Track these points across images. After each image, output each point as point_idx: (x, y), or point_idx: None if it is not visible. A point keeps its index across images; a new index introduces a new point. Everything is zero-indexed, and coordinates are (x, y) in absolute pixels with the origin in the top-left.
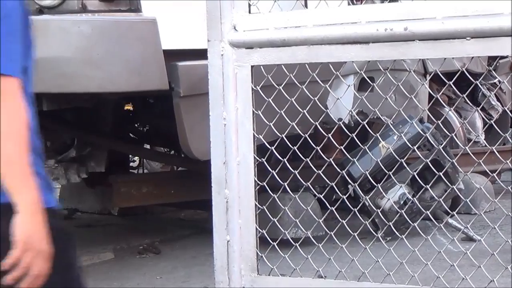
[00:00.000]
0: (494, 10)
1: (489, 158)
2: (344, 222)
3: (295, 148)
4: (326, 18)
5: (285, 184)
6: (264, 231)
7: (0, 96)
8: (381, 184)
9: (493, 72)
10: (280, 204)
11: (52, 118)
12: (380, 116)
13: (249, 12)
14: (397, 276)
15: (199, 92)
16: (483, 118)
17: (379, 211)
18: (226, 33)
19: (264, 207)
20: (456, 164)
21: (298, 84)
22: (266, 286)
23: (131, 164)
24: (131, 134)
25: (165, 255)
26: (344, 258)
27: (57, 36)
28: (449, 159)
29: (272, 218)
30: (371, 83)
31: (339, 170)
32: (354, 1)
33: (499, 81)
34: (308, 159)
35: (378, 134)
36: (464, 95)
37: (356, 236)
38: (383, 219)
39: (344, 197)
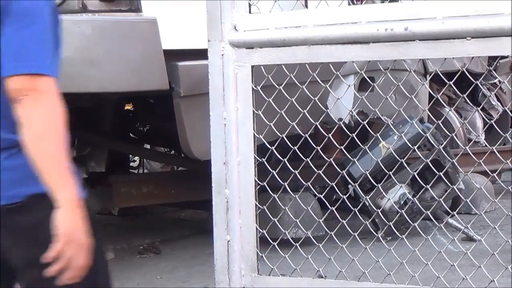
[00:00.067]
0: (495, 10)
1: (489, 158)
2: (344, 222)
3: (296, 148)
4: (326, 18)
5: (285, 184)
6: (265, 231)
7: (39, 95)
8: (381, 184)
9: (493, 72)
10: (281, 204)
11: None
12: (381, 116)
13: (250, 12)
14: (397, 276)
15: (199, 92)
16: (483, 118)
17: (379, 211)
18: (227, 33)
19: (265, 207)
20: (456, 164)
21: (299, 84)
22: (266, 286)
23: (131, 164)
24: (131, 134)
25: (165, 255)
26: (344, 258)
27: None
28: (449, 159)
29: (272, 218)
30: (371, 83)
31: (339, 170)
32: (355, 1)
33: (499, 81)
34: (308, 159)
35: (378, 134)
36: (465, 95)
37: (357, 236)
38: (383, 219)
39: (345, 197)
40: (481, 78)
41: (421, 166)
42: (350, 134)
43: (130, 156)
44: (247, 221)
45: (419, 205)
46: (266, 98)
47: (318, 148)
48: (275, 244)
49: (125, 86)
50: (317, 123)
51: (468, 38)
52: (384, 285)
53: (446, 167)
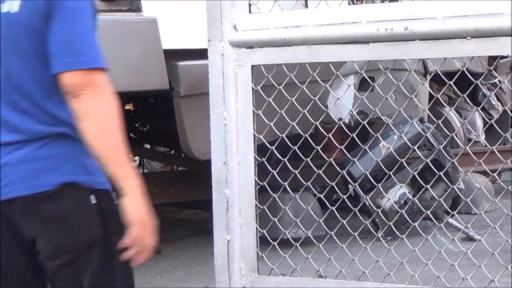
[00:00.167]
0: (495, 10)
1: (489, 158)
2: (344, 221)
3: (296, 147)
4: (326, 18)
5: (286, 183)
6: (265, 231)
7: (98, 90)
8: (381, 184)
9: (494, 72)
10: (281, 204)
11: None
12: (381, 116)
13: (250, 11)
14: (397, 276)
15: (200, 92)
16: (483, 118)
17: (379, 210)
18: (227, 33)
19: (265, 207)
20: (456, 164)
21: (299, 84)
22: (266, 286)
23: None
24: (131, 134)
25: (165, 255)
26: (344, 257)
27: None
28: (449, 159)
29: (272, 218)
30: (372, 83)
31: (339, 170)
32: (355, 1)
33: (499, 81)
34: (308, 159)
35: (378, 134)
36: (465, 95)
37: (357, 236)
38: (384, 219)
39: (345, 196)
40: (481, 78)
41: (421, 166)
42: (350, 134)
43: (130, 155)
44: (247, 221)
45: (419, 205)
46: (266, 98)
47: (318, 148)
48: (275, 244)
49: (125, 85)
50: (317, 123)
51: (468, 38)
52: (384, 285)
53: (446, 167)
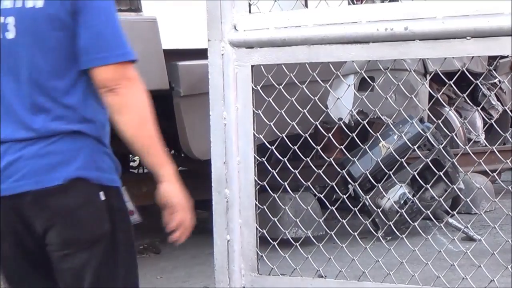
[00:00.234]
0: (494, 9)
1: (489, 157)
2: (344, 221)
3: (295, 147)
4: (326, 17)
5: (285, 183)
6: (265, 231)
7: (132, 83)
8: (381, 183)
9: (493, 71)
10: (281, 204)
11: None
12: (381, 116)
13: (250, 11)
14: (397, 276)
15: (199, 92)
16: (483, 118)
17: (379, 210)
18: (227, 33)
19: (265, 207)
20: (456, 163)
21: (298, 84)
22: (266, 285)
23: (131, 164)
24: None
25: (165, 255)
26: (344, 257)
27: None
28: (449, 158)
29: (272, 218)
30: (371, 83)
31: (339, 169)
32: (355, 1)
33: (499, 81)
34: (308, 159)
35: (378, 134)
36: (464, 95)
37: (357, 236)
38: (383, 218)
39: (344, 196)
40: (481, 78)
41: (421, 166)
42: (350, 134)
43: (130, 155)
44: (247, 221)
45: (419, 204)
46: (266, 98)
47: (318, 148)
48: (275, 243)
49: None
50: (317, 122)
51: (468, 38)
52: (384, 285)
53: (446, 167)
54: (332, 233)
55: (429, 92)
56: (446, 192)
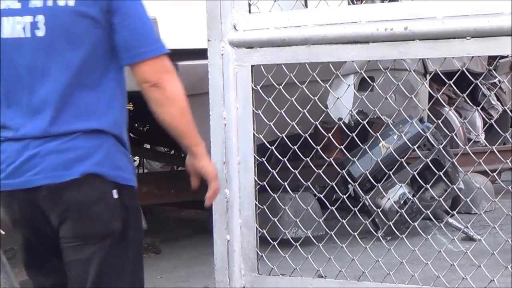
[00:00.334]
0: (494, 9)
1: (489, 157)
2: (344, 221)
3: (295, 147)
4: (326, 17)
5: (285, 183)
6: (265, 231)
7: (172, 75)
8: (381, 183)
9: (493, 71)
10: (280, 204)
11: None
12: (380, 116)
13: (249, 11)
14: (397, 276)
15: (199, 92)
16: (483, 118)
17: (379, 210)
18: (226, 33)
19: (264, 207)
20: (456, 163)
21: (298, 84)
22: (266, 285)
23: None
24: (131, 134)
25: (165, 255)
26: (344, 257)
27: None
28: (449, 158)
29: (272, 218)
30: (371, 83)
31: (339, 169)
32: (354, 1)
33: (499, 81)
34: (308, 159)
35: (378, 134)
36: (464, 95)
37: (356, 236)
38: (383, 218)
39: (344, 196)
40: (481, 78)
41: (421, 166)
42: (350, 134)
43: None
44: (247, 221)
45: (419, 204)
46: (266, 98)
47: (318, 147)
48: (275, 243)
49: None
50: (317, 122)
51: (468, 38)
52: (384, 285)
53: (446, 167)
54: (332, 233)
55: (429, 92)
56: (446, 192)
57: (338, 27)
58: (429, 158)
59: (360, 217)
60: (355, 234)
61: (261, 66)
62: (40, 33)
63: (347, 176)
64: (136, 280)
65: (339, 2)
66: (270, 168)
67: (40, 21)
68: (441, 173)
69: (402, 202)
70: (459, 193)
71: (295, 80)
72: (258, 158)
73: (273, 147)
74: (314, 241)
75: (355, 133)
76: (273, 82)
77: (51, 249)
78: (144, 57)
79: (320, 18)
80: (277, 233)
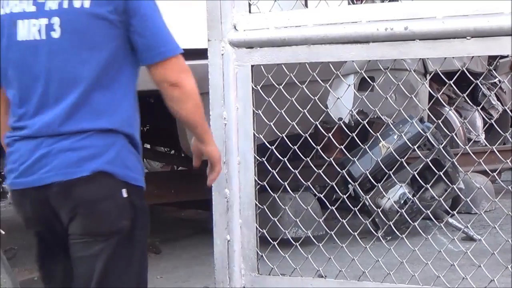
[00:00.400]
0: (494, 9)
1: (489, 157)
2: (344, 221)
3: (296, 147)
4: (326, 17)
5: (286, 183)
6: (265, 231)
7: (188, 73)
8: (381, 183)
9: (493, 71)
10: (281, 204)
11: None
12: (381, 116)
13: (250, 11)
14: (397, 276)
15: (200, 92)
16: (483, 118)
17: (379, 210)
18: (227, 33)
19: (265, 207)
20: (456, 163)
21: (299, 84)
22: (266, 285)
23: None
24: None
25: (165, 255)
26: (344, 257)
27: None
28: (449, 158)
29: (272, 218)
30: (371, 83)
31: (339, 169)
32: (355, 0)
33: (499, 81)
34: (308, 159)
35: (378, 134)
36: (464, 95)
37: (357, 236)
38: (383, 218)
39: (344, 196)
40: (481, 78)
41: (421, 166)
42: (350, 134)
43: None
44: (247, 221)
45: (419, 204)
46: (266, 98)
47: (318, 147)
48: (275, 243)
49: None
50: (317, 122)
51: (468, 38)
52: (384, 285)
53: (446, 167)
54: (332, 233)
55: (429, 92)
56: (446, 192)
57: (338, 27)
58: (429, 158)
59: (360, 217)
60: (355, 234)
61: (261, 66)
62: (56, 34)
63: (347, 176)
64: (141, 280)
65: (339, 2)
66: (270, 168)
67: (55, 23)
68: (441, 173)
69: (402, 202)
70: (459, 193)
71: (295, 80)
72: (258, 158)
73: (273, 147)
74: (314, 241)
75: (355, 133)
76: (273, 82)
77: (62, 248)
78: (164, 56)
79: (320, 18)
80: (277, 233)
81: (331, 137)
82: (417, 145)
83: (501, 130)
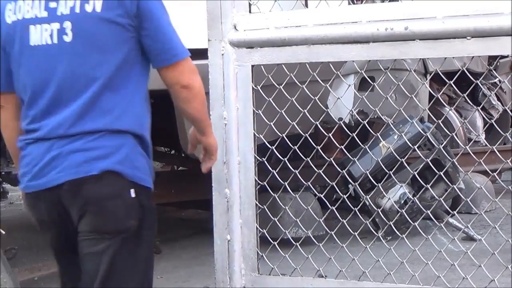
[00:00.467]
0: (495, 9)
1: (489, 157)
2: (344, 221)
3: (296, 147)
4: (326, 17)
5: (286, 183)
6: (265, 231)
7: (196, 74)
8: (381, 183)
9: (494, 71)
10: (281, 204)
11: None
12: (381, 116)
13: (250, 11)
14: (397, 276)
15: None
16: (483, 118)
17: (379, 210)
18: (227, 33)
19: (265, 207)
20: (456, 163)
21: (299, 84)
22: (266, 285)
23: None
24: None
25: (165, 255)
26: (344, 257)
27: None
28: (449, 158)
29: (272, 218)
30: (372, 83)
31: (339, 169)
32: (355, 0)
33: (500, 81)
34: (308, 159)
35: (378, 134)
36: (465, 95)
37: (357, 236)
38: (384, 218)
39: (345, 196)
40: (481, 78)
41: (421, 166)
42: (350, 134)
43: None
44: (248, 221)
45: (420, 204)
46: (266, 98)
47: (319, 147)
48: (276, 243)
49: None
50: (317, 122)
51: (468, 38)
52: (385, 285)
53: (446, 167)
54: (333, 233)
55: (429, 92)
56: (447, 192)
57: (338, 27)
58: (430, 158)
59: (361, 217)
60: (356, 234)
61: (262, 66)
62: (68, 38)
63: (347, 176)
64: (146, 279)
65: (339, 2)
66: (270, 168)
67: (67, 27)
68: (441, 173)
69: (402, 202)
70: (459, 193)
71: (295, 80)
72: (259, 158)
73: (273, 147)
74: (315, 241)
75: (356, 133)
76: (274, 82)
77: (76, 248)
78: (177, 59)
79: (321, 18)
80: (277, 233)
81: (331, 137)
82: (417, 145)
83: (501, 130)
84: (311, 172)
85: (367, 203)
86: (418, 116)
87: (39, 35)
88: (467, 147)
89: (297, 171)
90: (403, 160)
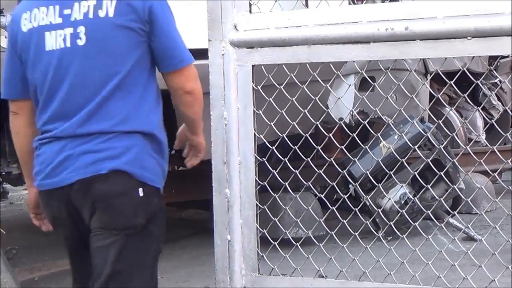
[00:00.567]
0: (495, 9)
1: (490, 157)
2: (345, 221)
3: (296, 147)
4: (327, 17)
5: (286, 183)
6: (265, 231)
7: (197, 80)
8: (382, 183)
9: (494, 71)
10: (281, 204)
11: None
12: (381, 116)
13: (250, 11)
14: (398, 276)
15: None
16: (484, 118)
17: (380, 210)
18: (227, 33)
19: (265, 207)
20: (457, 163)
21: (299, 84)
22: (267, 286)
23: None
24: None
25: (165, 255)
26: (345, 258)
27: None
28: (450, 158)
29: (273, 218)
30: (372, 83)
31: (340, 169)
32: (355, 0)
33: (500, 81)
34: (309, 159)
35: (379, 134)
36: (465, 95)
37: (357, 236)
38: (384, 218)
39: (345, 196)
40: (481, 78)
41: (421, 166)
42: (350, 134)
43: None
44: (248, 221)
45: (420, 204)
46: (266, 98)
47: (319, 147)
48: (276, 243)
49: None
50: (317, 122)
51: (469, 38)
52: (385, 285)
53: (447, 167)
54: (333, 233)
55: (430, 92)
56: (447, 192)
57: (338, 27)
58: (430, 158)
59: (361, 217)
60: (356, 234)
61: (262, 66)
62: (81, 42)
63: (347, 176)
64: (154, 277)
65: (339, 2)
66: (270, 168)
67: (81, 31)
68: (442, 173)
69: (402, 202)
70: (459, 193)
71: (296, 80)
72: (259, 158)
73: (273, 147)
74: (315, 241)
75: (356, 133)
76: (274, 82)
77: (87, 246)
78: (183, 65)
79: (321, 18)
80: (277, 233)
81: (331, 137)
82: (417, 145)
83: (501, 130)
84: (312, 172)
85: (368, 203)
86: (418, 116)
87: (54, 41)
88: (467, 147)
89: (297, 171)
90: (403, 160)
